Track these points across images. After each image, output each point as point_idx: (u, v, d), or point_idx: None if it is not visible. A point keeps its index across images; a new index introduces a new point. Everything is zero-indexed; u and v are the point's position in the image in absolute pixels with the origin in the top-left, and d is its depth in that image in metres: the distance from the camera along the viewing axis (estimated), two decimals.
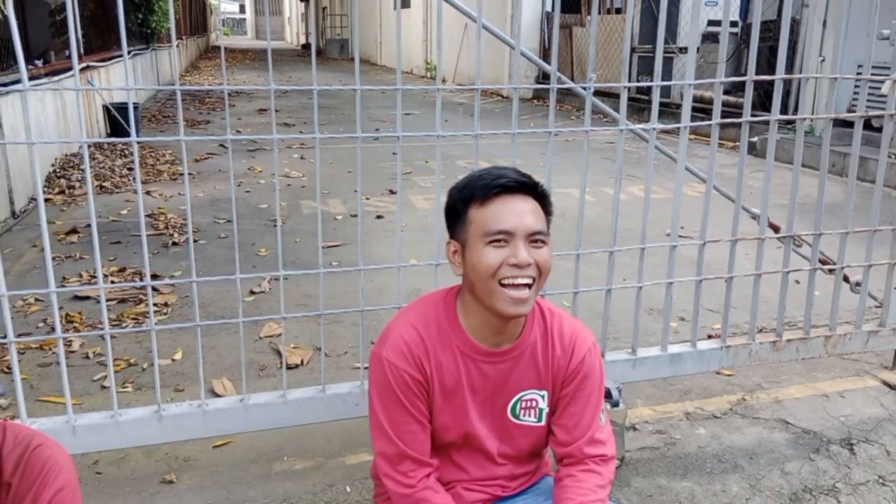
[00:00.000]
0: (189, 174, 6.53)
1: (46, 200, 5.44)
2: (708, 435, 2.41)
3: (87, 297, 3.59)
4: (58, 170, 6.10)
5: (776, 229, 2.33)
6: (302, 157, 7.44)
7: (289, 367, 3.01)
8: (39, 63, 6.54)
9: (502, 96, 13.91)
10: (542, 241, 1.49)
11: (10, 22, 1.76)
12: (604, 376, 1.72)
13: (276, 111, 11.36)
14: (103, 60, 8.73)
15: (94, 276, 3.84)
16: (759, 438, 2.39)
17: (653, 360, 2.29)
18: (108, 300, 3.58)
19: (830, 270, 2.43)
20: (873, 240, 2.46)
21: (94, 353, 3.05)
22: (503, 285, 1.48)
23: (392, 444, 1.57)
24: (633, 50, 10.90)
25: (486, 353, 1.60)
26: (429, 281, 2.08)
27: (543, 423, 1.69)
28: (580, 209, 2.21)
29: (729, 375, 2.80)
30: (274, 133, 1.97)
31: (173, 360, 3.01)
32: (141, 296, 3.62)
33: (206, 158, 7.27)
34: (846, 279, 2.44)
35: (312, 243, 4.55)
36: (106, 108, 7.74)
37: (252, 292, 3.73)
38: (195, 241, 4.63)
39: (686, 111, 2.19)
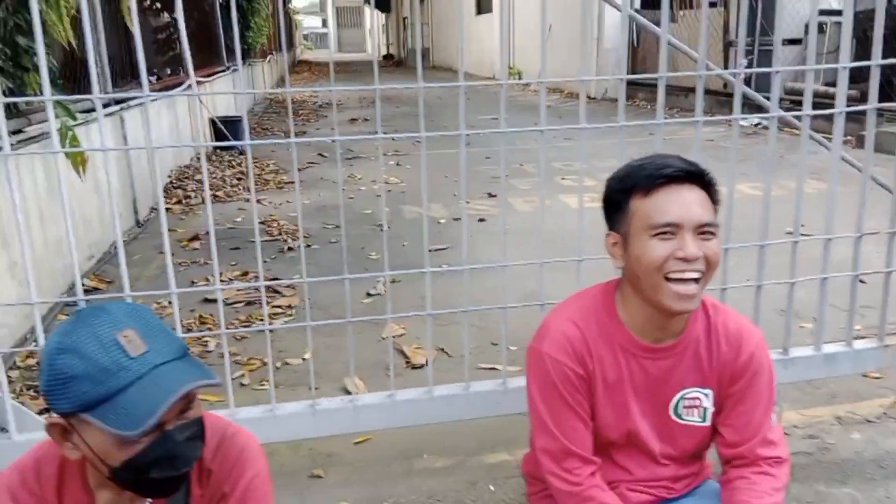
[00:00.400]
0: (292, 182, 6.74)
1: (165, 210, 5.73)
2: (864, 440, 2.29)
3: (215, 300, 3.74)
4: (174, 181, 6.42)
5: None
6: (398, 164, 7.55)
7: (414, 367, 3.05)
8: (153, 79, 6.91)
9: (589, 97, 13.72)
10: (711, 233, 1.42)
11: (181, 31, 1.85)
12: (773, 374, 1.65)
13: (366, 120, 11.62)
14: (208, 75, 9.14)
15: (222, 280, 4.01)
16: None
17: (806, 360, 2.18)
18: (235, 303, 3.74)
19: None
20: None
21: (233, 351, 3.17)
22: (669, 279, 1.42)
23: (556, 441, 1.55)
24: (730, 44, 10.57)
25: (648, 350, 1.55)
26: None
27: (708, 423, 1.63)
28: (728, 199, 2.15)
29: (877, 378, 2.65)
30: (422, 131, 2.00)
31: (304, 359, 3.10)
32: (267, 298, 3.74)
33: (306, 167, 7.49)
34: None
35: (420, 247, 4.60)
36: (212, 121, 8.10)
37: (368, 294, 3.81)
38: (307, 245, 4.78)
39: (841, 96, 2.09)
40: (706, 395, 1.60)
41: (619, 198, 1.48)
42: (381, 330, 3.36)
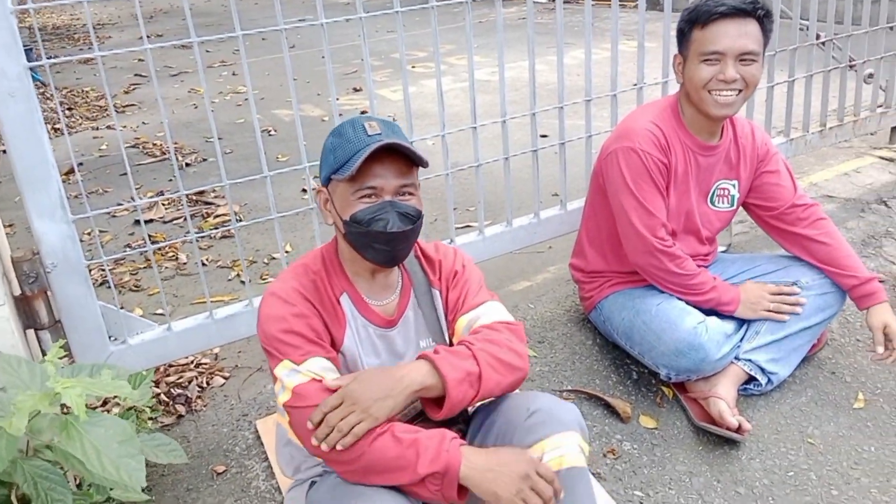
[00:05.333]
0: (132, 105, 6.28)
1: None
2: None
3: (150, 221, 3.62)
4: None
5: (818, 37, 2.84)
6: (234, 74, 7.25)
7: None
8: None
9: None
10: (753, 59, 1.83)
11: None
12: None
13: (160, 35, 10.71)
14: None
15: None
16: None
17: None
18: (174, 220, 3.65)
19: (851, 67, 2.99)
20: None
21: (207, 259, 3.17)
22: (710, 93, 1.86)
23: (651, 217, 1.96)
24: None
25: (702, 146, 2.01)
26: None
27: (734, 207, 2.14)
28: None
29: None
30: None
31: (287, 252, 3.19)
32: (206, 211, 3.68)
33: (133, 89, 6.94)
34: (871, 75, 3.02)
35: (319, 144, 4.66)
36: None
37: (304, 191, 3.89)
38: (203, 160, 4.64)
39: None
40: (733, 185, 2.10)
41: (684, 27, 1.89)
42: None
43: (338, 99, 5.97)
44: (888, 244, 2.69)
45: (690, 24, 1.86)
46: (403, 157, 1.31)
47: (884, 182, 3.16)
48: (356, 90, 6.03)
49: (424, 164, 1.32)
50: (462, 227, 3.08)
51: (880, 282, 1.99)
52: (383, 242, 1.31)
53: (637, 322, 2.00)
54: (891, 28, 3.05)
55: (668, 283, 1.98)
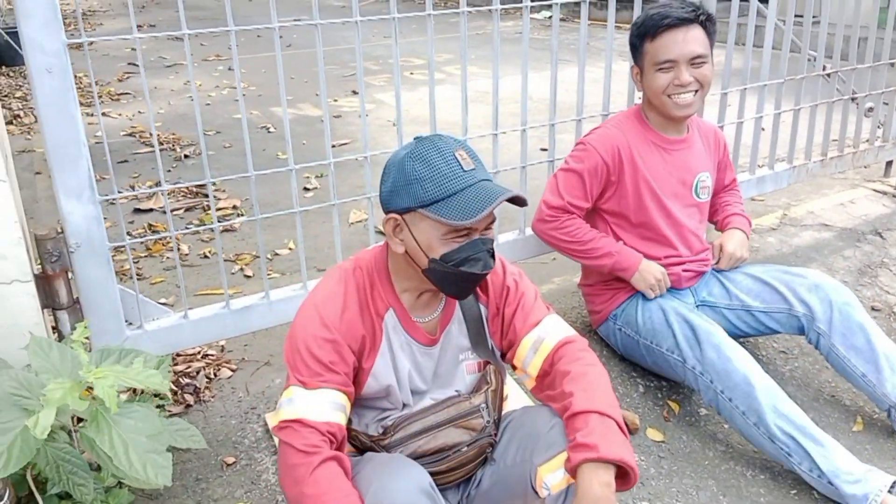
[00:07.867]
0: (127, 93, 6.22)
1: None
2: (777, 241, 3.04)
3: (151, 210, 3.58)
4: None
5: (824, 68, 2.92)
6: (230, 69, 7.20)
7: None
8: None
9: None
10: (703, 61, 1.96)
11: None
12: None
13: (152, 26, 10.62)
14: None
15: (140, 191, 3.81)
16: (814, 238, 3.05)
17: (744, 183, 2.83)
18: (174, 210, 3.61)
19: (853, 100, 3.08)
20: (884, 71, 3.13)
21: (209, 252, 3.14)
22: (670, 97, 1.98)
23: (556, 196, 2.09)
24: None
25: (671, 142, 2.11)
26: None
27: (711, 198, 2.26)
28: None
29: (761, 201, 3.45)
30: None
31: (290, 249, 3.18)
32: (206, 203, 3.66)
33: (127, 77, 6.87)
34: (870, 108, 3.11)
35: (319, 143, 4.66)
36: None
37: (306, 189, 3.88)
38: (198, 153, 4.60)
39: None
40: (707, 175, 2.20)
41: (635, 41, 2.01)
42: (346, 217, 3.51)
43: (336, 100, 5.98)
44: (883, 274, 2.77)
45: (641, 38, 1.99)
46: None
47: (878, 214, 3.24)
48: (355, 93, 6.02)
49: (525, 204, 1.31)
50: None
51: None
52: (471, 282, 1.30)
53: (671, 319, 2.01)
54: (892, 64, 3.14)
55: (561, 247, 2.13)
